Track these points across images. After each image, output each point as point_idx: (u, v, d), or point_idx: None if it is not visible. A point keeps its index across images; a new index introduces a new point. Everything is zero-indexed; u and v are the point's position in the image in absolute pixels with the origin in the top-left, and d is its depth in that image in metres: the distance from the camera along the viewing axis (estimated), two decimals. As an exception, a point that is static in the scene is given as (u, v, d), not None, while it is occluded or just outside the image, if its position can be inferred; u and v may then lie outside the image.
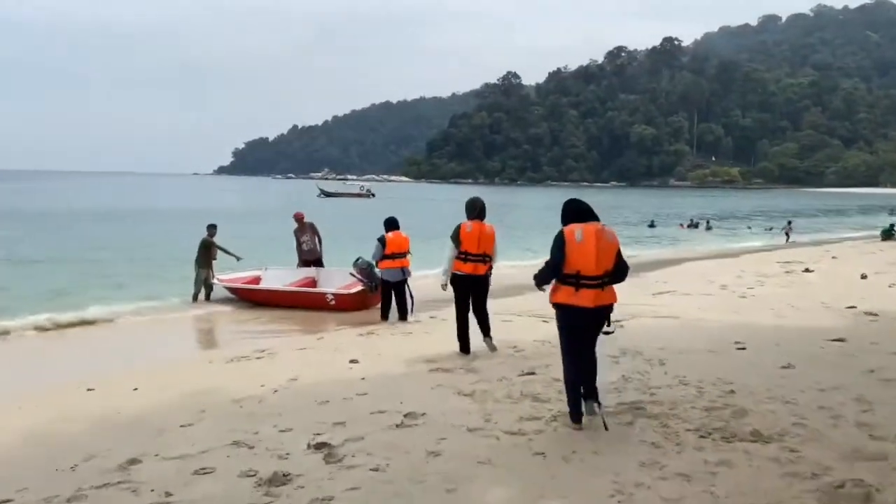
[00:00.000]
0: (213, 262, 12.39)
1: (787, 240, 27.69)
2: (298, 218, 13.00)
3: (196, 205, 48.68)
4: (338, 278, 12.11)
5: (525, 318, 9.26)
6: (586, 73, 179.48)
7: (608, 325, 4.58)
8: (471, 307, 6.95)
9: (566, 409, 4.69)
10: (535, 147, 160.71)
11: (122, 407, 5.67)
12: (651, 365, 6.13)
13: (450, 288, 6.97)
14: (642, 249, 23.61)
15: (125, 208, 43.88)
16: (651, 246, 25.75)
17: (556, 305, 4.55)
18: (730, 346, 6.86)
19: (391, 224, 9.72)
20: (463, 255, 6.78)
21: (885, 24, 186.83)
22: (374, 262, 9.88)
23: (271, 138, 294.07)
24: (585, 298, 4.38)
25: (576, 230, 4.41)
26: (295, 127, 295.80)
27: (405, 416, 4.86)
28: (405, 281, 9.65)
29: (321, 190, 78.50)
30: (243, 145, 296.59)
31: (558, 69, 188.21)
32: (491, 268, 6.98)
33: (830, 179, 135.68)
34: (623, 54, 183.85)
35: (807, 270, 14.22)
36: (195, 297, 12.18)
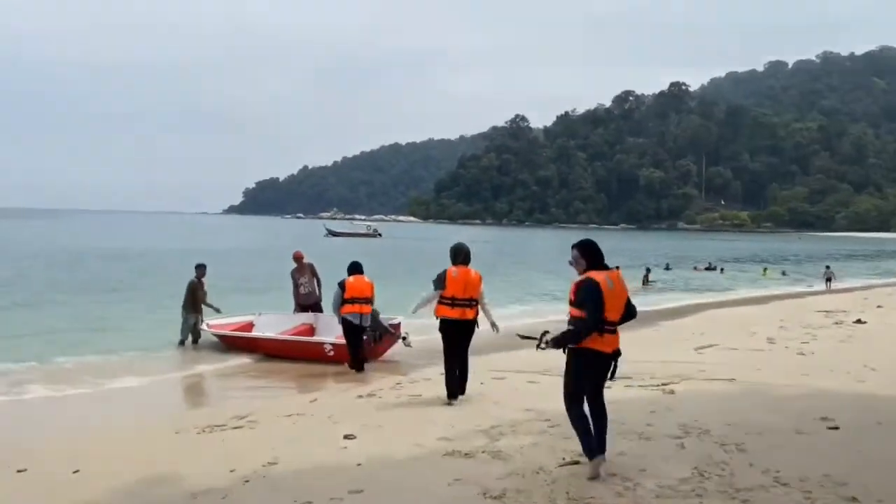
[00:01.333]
0: (203, 305, 11.36)
1: (828, 286, 25.87)
2: (297, 258, 12.00)
3: (194, 245, 47.47)
4: (338, 326, 10.85)
5: (551, 378, 7.95)
6: (594, 117, 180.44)
7: (613, 374, 4.49)
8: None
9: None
10: (543, 189, 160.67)
11: (51, 501, 4.46)
12: (727, 451, 4.80)
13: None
14: (665, 295, 22.45)
15: (119, 247, 42.47)
16: (674, 291, 24.56)
17: (578, 351, 4.34)
18: (817, 423, 5.50)
19: (354, 268, 9.43)
20: (450, 301, 6.71)
21: (891, 70, 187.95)
22: (334, 309, 9.28)
23: (282, 178, 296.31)
24: (608, 344, 4.34)
25: (605, 278, 4.34)
26: (305, 167, 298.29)
27: (414, 533, 3.56)
28: (364, 329, 9.34)
29: (328, 229, 78.28)
30: (254, 185, 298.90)
31: (566, 112, 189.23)
32: (478, 313, 6.88)
33: (841, 224, 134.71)
34: (631, 98, 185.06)
35: (859, 322, 12.83)
36: (181, 344, 11.25)
